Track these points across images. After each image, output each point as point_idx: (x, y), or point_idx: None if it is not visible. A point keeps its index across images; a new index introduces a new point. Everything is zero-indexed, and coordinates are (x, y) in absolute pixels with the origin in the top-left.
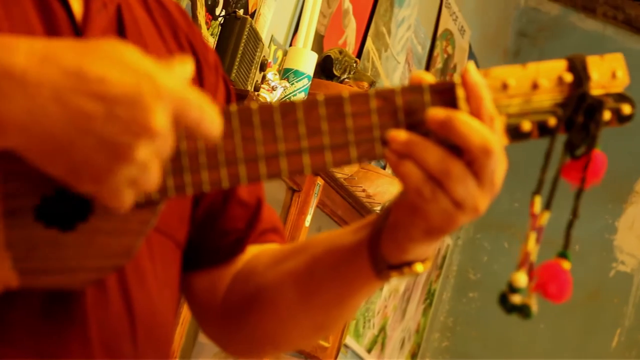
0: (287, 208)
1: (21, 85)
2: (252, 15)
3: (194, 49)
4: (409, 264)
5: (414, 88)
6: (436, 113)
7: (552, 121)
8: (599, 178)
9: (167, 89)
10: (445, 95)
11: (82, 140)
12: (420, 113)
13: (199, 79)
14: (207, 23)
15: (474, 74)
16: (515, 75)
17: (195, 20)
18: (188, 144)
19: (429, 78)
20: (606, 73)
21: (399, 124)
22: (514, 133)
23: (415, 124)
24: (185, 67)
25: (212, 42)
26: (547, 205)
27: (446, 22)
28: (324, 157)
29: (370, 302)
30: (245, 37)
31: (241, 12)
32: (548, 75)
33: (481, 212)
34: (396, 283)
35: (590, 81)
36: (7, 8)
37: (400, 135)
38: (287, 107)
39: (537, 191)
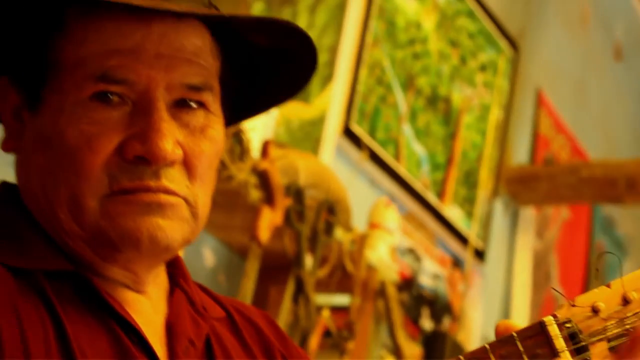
0: None
1: None
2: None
3: None
4: None
5: (505, 340)
6: None
7: None
8: None
9: None
10: (538, 338)
11: None
12: None
13: None
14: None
15: None
16: (602, 296)
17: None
18: None
19: (515, 324)
20: None
21: None
22: None
23: None
24: None
25: (417, 352)
26: None
27: None
28: None
29: None
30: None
31: (447, 322)
32: (635, 286)
33: None
34: None
35: None
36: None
37: None
38: None
39: None
